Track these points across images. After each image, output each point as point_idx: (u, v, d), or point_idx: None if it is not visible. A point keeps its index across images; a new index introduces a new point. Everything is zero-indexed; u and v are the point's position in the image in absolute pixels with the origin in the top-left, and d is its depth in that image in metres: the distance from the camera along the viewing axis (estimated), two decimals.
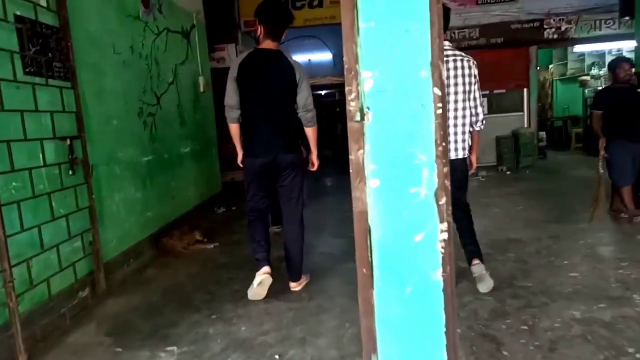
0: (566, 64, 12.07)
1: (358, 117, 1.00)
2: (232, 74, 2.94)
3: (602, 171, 4.44)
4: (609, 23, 8.49)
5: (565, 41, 8.83)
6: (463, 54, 2.90)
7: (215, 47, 7.48)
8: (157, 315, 3.01)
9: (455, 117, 2.87)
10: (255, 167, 3.05)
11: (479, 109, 2.93)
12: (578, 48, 10.25)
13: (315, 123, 3.17)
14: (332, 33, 13.61)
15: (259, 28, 2.94)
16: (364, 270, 1.07)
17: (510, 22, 8.69)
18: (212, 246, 4.45)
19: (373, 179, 1.02)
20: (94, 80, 3.55)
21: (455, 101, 2.85)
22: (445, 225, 1.00)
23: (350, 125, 1.01)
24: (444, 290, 1.02)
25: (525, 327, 2.50)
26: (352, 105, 1.00)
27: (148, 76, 4.57)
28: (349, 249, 4.31)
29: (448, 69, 2.80)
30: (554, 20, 8.60)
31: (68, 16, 3.08)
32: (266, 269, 3.07)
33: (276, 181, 3.14)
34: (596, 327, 2.43)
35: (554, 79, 12.80)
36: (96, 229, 3.29)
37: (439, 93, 0.97)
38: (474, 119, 2.93)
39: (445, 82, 2.72)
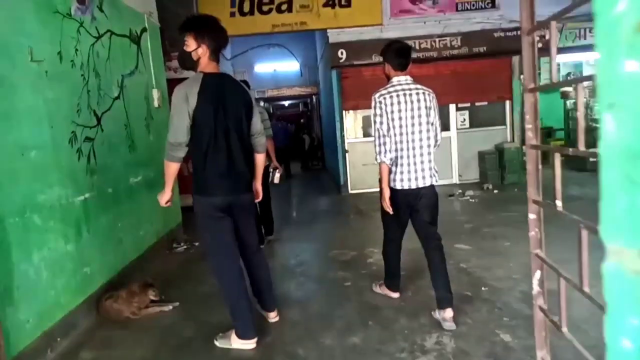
0: (540, 74, 11.78)
1: None
2: (188, 104, 2.47)
3: None
4: (594, 32, 8.12)
5: (549, 50, 8.37)
6: (424, 87, 3.02)
7: (172, 55, 6.51)
8: None
9: (421, 147, 2.96)
10: (217, 206, 2.65)
11: (439, 137, 3.06)
12: (563, 58, 9.90)
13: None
14: (300, 41, 12.82)
15: (201, 49, 2.56)
16: None
17: (493, 30, 8.18)
18: (171, 307, 3.47)
19: None
20: None
21: (420, 131, 2.95)
22: None
23: None
24: None
25: None
26: None
27: (84, 91, 3.57)
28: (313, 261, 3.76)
29: (412, 102, 2.93)
30: None
31: None
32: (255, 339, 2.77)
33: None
34: None
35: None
36: None
37: None
38: (434, 148, 3.05)
39: (410, 114, 2.91)
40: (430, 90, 3.02)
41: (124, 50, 4.53)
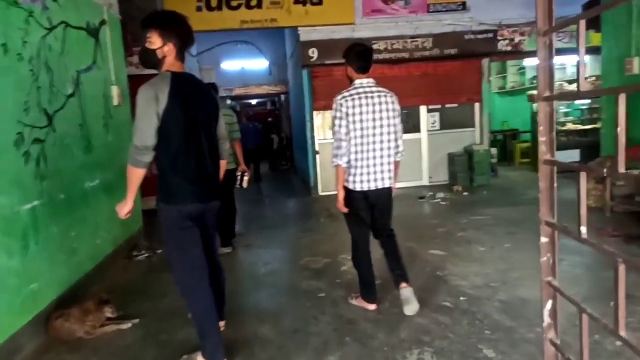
0: (505, 77, 11.98)
1: None
2: (158, 105, 2.26)
3: None
4: (560, 36, 8.25)
5: (518, 54, 8.48)
6: (386, 90, 3.04)
7: (134, 50, 6.13)
8: None
9: (382, 149, 3.00)
10: (188, 215, 2.44)
11: (400, 141, 3.08)
12: (530, 61, 10.07)
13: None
14: (268, 39, 12.54)
15: (167, 47, 2.37)
16: None
17: (464, 32, 8.18)
18: (129, 325, 3.19)
19: None
20: None
21: (381, 134, 2.98)
22: None
23: None
24: None
25: None
26: None
27: (33, 87, 3.24)
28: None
29: (374, 104, 2.95)
30: (507, 31, 8.22)
31: None
32: None
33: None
34: None
35: (492, 92, 12.69)
36: None
37: None
38: (394, 150, 3.07)
39: (372, 116, 2.94)
40: (392, 93, 3.04)
41: (80, 44, 4.18)
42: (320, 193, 8.32)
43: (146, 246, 5.16)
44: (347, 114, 2.92)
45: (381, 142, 2.98)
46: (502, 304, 3.14)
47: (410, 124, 8.74)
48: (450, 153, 8.55)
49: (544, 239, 1.34)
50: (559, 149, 7.45)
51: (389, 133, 2.99)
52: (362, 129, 2.93)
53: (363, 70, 3.02)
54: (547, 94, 1.19)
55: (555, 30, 1.12)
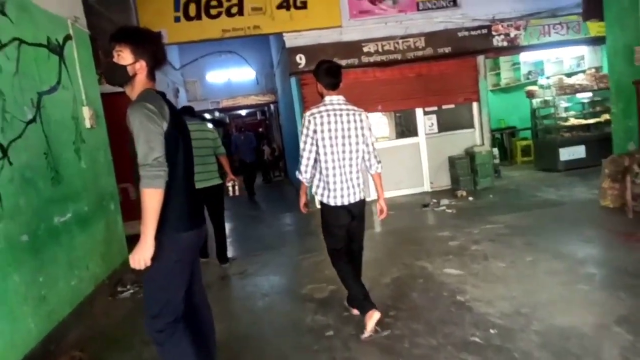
0: (499, 74, 11.65)
1: None
2: (159, 126, 2.03)
3: None
4: (557, 28, 7.92)
5: (514, 49, 8.13)
6: (355, 108, 3.11)
7: None
8: None
9: (351, 165, 3.08)
10: (191, 244, 2.20)
11: (373, 155, 3.17)
12: (528, 56, 9.74)
13: None
14: (253, 47, 12.09)
15: (139, 64, 2.14)
16: None
17: (457, 29, 7.82)
18: None
19: None
20: None
21: (350, 151, 3.06)
22: None
23: None
24: None
25: None
26: None
27: None
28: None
29: (342, 122, 3.01)
30: (502, 26, 7.87)
31: None
32: None
33: None
34: None
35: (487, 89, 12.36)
36: None
37: None
38: (368, 163, 3.18)
39: (341, 134, 3.01)
40: (362, 111, 3.12)
41: (40, 63, 3.72)
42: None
43: (132, 280, 4.69)
44: (314, 131, 2.98)
45: (350, 158, 3.05)
46: (540, 337, 2.70)
47: (407, 128, 8.37)
48: (451, 156, 8.16)
49: None
50: (562, 145, 7.05)
51: (357, 150, 3.07)
52: (331, 145, 3.00)
53: (332, 87, 3.06)
54: None
55: None
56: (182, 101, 11.16)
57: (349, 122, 3.03)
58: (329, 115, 2.99)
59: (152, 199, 1.95)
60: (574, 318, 2.91)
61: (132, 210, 4.08)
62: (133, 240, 4.24)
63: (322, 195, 3.12)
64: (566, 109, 9.00)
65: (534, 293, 3.35)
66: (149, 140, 1.97)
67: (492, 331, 2.85)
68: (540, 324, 2.87)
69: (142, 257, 1.98)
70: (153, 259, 2.00)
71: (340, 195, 3.06)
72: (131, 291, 4.46)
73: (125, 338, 3.42)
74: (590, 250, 4.21)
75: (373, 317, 2.93)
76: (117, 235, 4.97)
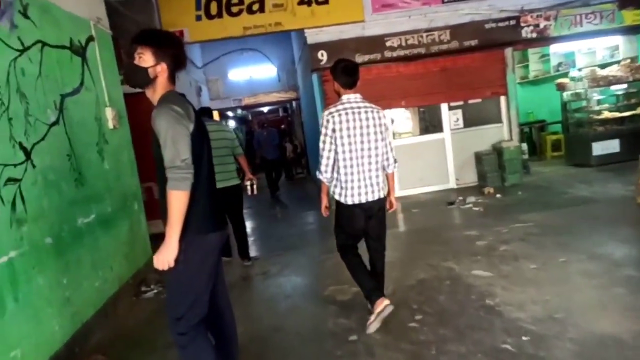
0: (527, 66, 11.28)
1: None
2: (186, 128, 2.03)
3: None
4: (590, 18, 7.58)
5: (544, 40, 7.83)
6: (373, 105, 3.11)
7: None
8: None
9: (370, 163, 3.07)
10: (214, 245, 2.20)
11: (390, 154, 3.18)
12: (559, 47, 9.38)
13: None
14: (275, 44, 12.04)
15: (160, 66, 2.12)
16: None
17: (484, 21, 7.57)
18: None
19: None
20: None
21: (369, 149, 3.05)
22: None
23: None
24: None
25: None
26: None
27: (2, 119, 2.79)
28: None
29: (360, 120, 3.01)
30: (531, 17, 7.58)
31: None
32: None
33: None
34: None
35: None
36: None
37: None
38: (386, 162, 3.17)
39: (360, 131, 3.01)
40: (379, 109, 3.13)
41: (63, 65, 3.74)
42: None
43: (156, 279, 4.70)
44: (333, 130, 2.99)
45: (369, 156, 3.05)
46: (577, 345, 2.55)
47: (432, 124, 8.18)
48: (477, 152, 7.94)
49: None
50: (595, 139, 6.75)
51: (376, 148, 3.06)
52: (350, 144, 3.00)
53: (349, 86, 3.07)
54: None
55: None
56: (204, 99, 11.21)
57: (367, 119, 3.03)
58: (347, 114, 2.99)
59: (178, 200, 1.95)
60: (612, 324, 2.75)
61: (156, 209, 4.09)
62: (157, 239, 4.23)
63: (339, 194, 3.11)
64: (599, 102, 8.64)
65: (568, 297, 3.19)
66: (176, 142, 1.97)
67: (524, 338, 2.71)
68: (575, 330, 2.72)
69: (166, 258, 1.99)
70: (177, 260, 2.00)
71: (357, 193, 3.04)
72: (155, 291, 4.48)
73: (148, 340, 3.42)
74: (628, 251, 3.99)
75: (382, 304, 3.00)
76: (141, 235, 5.00)
